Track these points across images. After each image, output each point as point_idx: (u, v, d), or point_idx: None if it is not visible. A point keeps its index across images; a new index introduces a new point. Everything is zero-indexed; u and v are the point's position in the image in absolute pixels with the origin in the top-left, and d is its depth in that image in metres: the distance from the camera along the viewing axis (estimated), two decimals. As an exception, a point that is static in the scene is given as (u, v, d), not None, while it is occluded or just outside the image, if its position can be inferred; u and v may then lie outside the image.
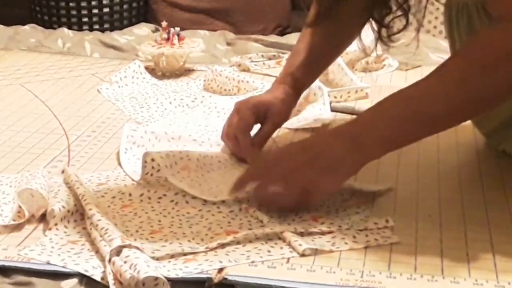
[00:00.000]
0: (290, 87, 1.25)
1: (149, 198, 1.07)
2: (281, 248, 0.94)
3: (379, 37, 1.20)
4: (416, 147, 1.25)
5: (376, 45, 1.24)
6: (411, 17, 1.15)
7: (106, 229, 0.93)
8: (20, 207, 1.00)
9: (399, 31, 1.17)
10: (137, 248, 0.89)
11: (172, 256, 0.92)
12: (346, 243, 0.95)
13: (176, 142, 1.23)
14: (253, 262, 0.91)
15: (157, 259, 0.91)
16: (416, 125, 0.99)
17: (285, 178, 1.00)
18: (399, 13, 1.14)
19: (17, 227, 0.99)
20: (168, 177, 1.08)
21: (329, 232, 0.98)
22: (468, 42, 1.02)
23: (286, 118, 1.26)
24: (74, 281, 0.89)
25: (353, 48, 1.54)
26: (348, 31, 1.28)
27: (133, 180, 1.13)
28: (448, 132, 1.30)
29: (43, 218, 1.01)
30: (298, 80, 1.25)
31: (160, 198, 1.07)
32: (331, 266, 0.90)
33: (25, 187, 1.02)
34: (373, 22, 1.20)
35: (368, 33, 1.26)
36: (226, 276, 0.88)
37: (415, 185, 1.12)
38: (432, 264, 0.91)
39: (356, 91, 1.50)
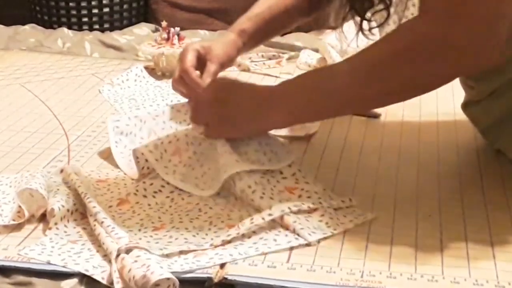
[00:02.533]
0: (237, 35, 1.31)
1: (145, 189, 1.07)
2: (286, 235, 0.96)
3: (360, 30, 1.22)
4: (416, 147, 1.25)
5: (357, 38, 1.27)
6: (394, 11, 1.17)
7: (113, 227, 0.94)
8: (20, 207, 1.00)
9: (379, 25, 1.20)
10: (145, 249, 0.89)
11: (181, 252, 0.92)
12: (337, 224, 0.98)
13: (161, 118, 1.23)
14: (262, 253, 0.92)
15: (167, 255, 0.91)
16: (317, 96, 1.03)
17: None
18: (380, 7, 1.16)
19: (17, 227, 0.99)
20: (161, 173, 1.09)
21: (315, 210, 1.00)
22: (393, 30, 1.03)
23: (230, 59, 1.31)
24: (74, 281, 0.89)
25: (353, 46, 1.54)
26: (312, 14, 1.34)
27: (132, 179, 1.13)
28: (448, 132, 1.30)
29: (43, 218, 1.01)
30: (245, 32, 1.32)
31: (155, 192, 1.07)
32: (331, 266, 0.90)
33: (25, 187, 1.02)
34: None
35: (351, 25, 1.26)
36: (226, 276, 0.88)
37: (415, 185, 1.12)
38: (432, 264, 0.91)
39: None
